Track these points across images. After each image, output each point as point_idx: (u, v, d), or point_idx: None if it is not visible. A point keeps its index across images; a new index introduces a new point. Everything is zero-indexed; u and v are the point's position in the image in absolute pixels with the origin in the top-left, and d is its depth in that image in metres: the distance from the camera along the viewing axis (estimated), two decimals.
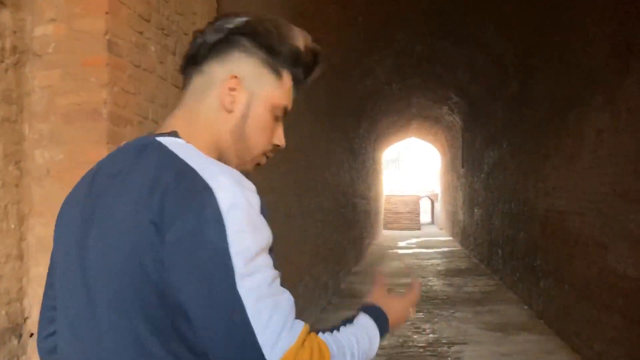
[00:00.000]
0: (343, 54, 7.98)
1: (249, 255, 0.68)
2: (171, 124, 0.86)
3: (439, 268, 10.55)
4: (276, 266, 0.73)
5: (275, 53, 0.86)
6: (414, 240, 17.04)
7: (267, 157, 0.92)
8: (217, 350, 0.68)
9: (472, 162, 12.19)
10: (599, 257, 4.24)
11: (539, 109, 6.12)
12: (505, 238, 8.09)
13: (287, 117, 0.93)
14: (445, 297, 7.56)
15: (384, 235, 19.07)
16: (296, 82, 0.91)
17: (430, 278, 9.24)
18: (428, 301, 7.29)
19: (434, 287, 8.34)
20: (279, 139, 0.92)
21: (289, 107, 0.91)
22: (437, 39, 9.02)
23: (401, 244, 15.99)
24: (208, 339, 0.68)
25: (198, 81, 0.87)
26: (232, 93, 0.85)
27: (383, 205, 21.14)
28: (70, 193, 0.88)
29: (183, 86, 0.90)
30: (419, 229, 22.50)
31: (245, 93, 0.86)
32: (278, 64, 0.87)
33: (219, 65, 0.86)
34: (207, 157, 0.77)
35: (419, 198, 24.08)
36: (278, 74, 0.88)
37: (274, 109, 0.88)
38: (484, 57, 8.40)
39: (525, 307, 6.73)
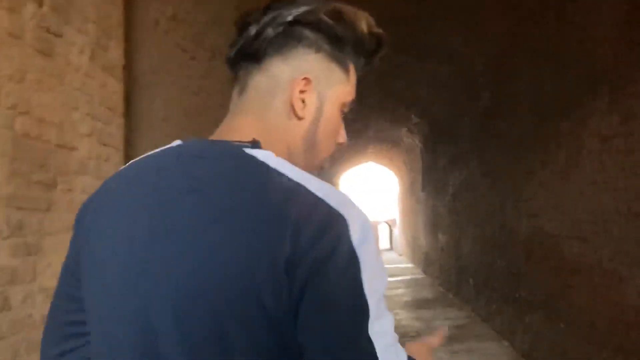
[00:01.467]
0: None
1: (380, 297, 0.62)
2: (240, 130, 0.74)
3: (405, 299, 9.76)
4: None
5: (341, 44, 0.77)
6: None
7: (330, 157, 0.83)
8: None
9: (434, 185, 11.59)
10: (611, 289, 3.53)
11: (518, 121, 5.48)
12: (478, 265, 7.38)
13: None
14: (415, 334, 6.73)
15: None
16: (359, 70, 0.83)
17: (398, 310, 8.42)
18: None
19: (402, 322, 7.51)
20: (343, 136, 0.84)
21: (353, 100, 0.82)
22: (398, 51, 8.42)
23: None
24: None
25: (261, 82, 0.76)
26: (303, 96, 0.75)
27: None
28: (105, 196, 0.74)
29: (238, 84, 0.78)
30: None
31: (315, 95, 0.76)
32: (344, 55, 0.78)
33: (284, 64, 0.75)
34: (316, 177, 0.68)
35: (377, 224, 23.43)
36: (345, 68, 0.79)
37: (343, 107, 0.80)
38: (449, 70, 7.81)
39: (506, 343, 5.98)
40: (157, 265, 0.65)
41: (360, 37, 0.78)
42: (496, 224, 6.32)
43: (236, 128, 0.75)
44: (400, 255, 21.22)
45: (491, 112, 6.56)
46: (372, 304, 0.60)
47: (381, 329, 0.61)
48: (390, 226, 27.48)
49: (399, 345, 0.65)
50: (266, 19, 0.75)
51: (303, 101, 0.76)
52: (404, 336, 6.57)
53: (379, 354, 0.60)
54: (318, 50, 0.76)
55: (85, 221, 0.74)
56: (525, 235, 5.29)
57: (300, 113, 0.76)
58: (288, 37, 0.75)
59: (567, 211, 4.24)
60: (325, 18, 0.75)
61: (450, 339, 6.35)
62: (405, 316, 7.96)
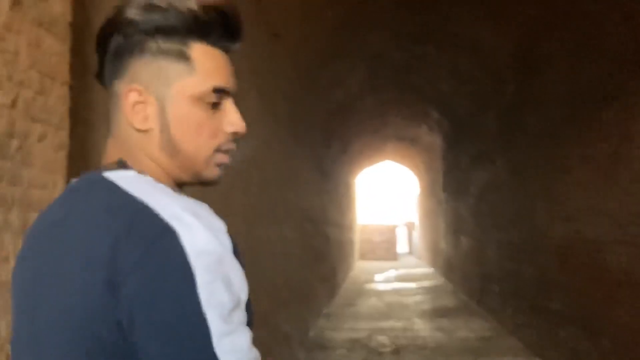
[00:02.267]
0: (308, 55, 6.73)
1: (225, 312, 0.57)
2: (108, 152, 0.74)
3: (424, 307, 9.19)
4: (251, 324, 0.64)
5: (165, 33, 0.70)
6: (392, 273, 15.69)
7: (228, 150, 0.75)
8: None
9: (455, 186, 10.99)
10: None
11: (550, 113, 4.91)
12: (504, 272, 6.79)
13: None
14: (435, 346, 6.18)
15: (359, 267, 17.69)
16: (223, 48, 0.74)
17: (416, 320, 7.86)
18: (416, 351, 5.91)
19: (421, 333, 6.95)
20: (233, 124, 0.74)
21: (222, 84, 0.73)
22: (416, 42, 7.88)
23: (378, 277, 14.61)
24: None
25: (110, 104, 0.75)
26: (140, 108, 0.71)
27: (358, 235, 19.81)
28: (23, 242, 0.74)
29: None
30: (396, 260, 21.20)
31: (152, 102, 0.71)
32: (178, 44, 0.71)
33: (119, 79, 0.72)
34: (167, 188, 0.65)
35: (395, 227, 22.83)
36: (183, 58, 0.71)
37: (199, 100, 0.71)
38: (472, 62, 7.24)
39: (537, 359, 5.40)
40: (19, 303, 0.67)
41: (189, 14, 0.70)
42: (525, 227, 5.73)
43: (107, 153, 0.75)
44: (420, 259, 20.59)
45: (519, 105, 5.98)
46: (213, 320, 0.56)
47: (231, 347, 0.57)
48: (409, 229, 26.84)
49: (256, 356, 0.60)
50: (98, 42, 0.74)
51: (143, 112, 0.71)
52: (423, 348, 6.02)
53: None
54: (142, 52, 0.71)
55: (14, 268, 0.75)
56: (558, 240, 4.71)
57: (140, 126, 0.71)
58: (116, 51, 0.72)
59: (611, 213, 3.67)
60: (138, 15, 0.69)
61: (474, 352, 5.80)
62: (423, 326, 7.40)
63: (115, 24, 0.70)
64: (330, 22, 6.58)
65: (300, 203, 7.03)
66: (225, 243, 0.61)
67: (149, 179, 0.67)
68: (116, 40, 0.71)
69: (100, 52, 0.74)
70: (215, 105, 0.73)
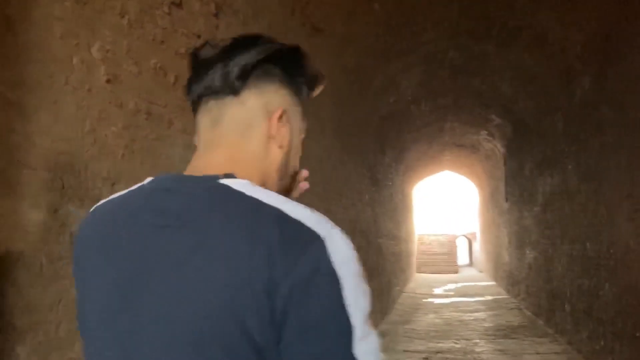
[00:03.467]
0: (355, 54, 6.32)
1: (364, 316, 0.61)
2: (215, 163, 0.75)
3: (486, 324, 8.50)
4: None
5: (299, 82, 0.82)
6: (452, 286, 14.92)
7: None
8: None
9: (519, 195, 10.24)
10: None
11: (635, 107, 4.27)
12: (576, 289, 6.08)
13: None
14: None
15: (417, 279, 16.99)
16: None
17: (476, 340, 7.22)
18: None
19: (484, 356, 6.33)
20: (297, 167, 0.87)
21: None
22: (476, 40, 7.32)
23: (437, 290, 13.91)
24: None
25: (238, 114, 0.77)
26: (280, 127, 0.78)
27: (415, 246, 19.12)
28: (87, 232, 0.75)
29: (207, 116, 0.78)
30: (457, 272, 20.30)
31: (288, 127, 0.80)
32: (301, 93, 0.83)
33: (260, 97, 0.77)
34: (291, 200, 0.68)
35: (455, 237, 21.94)
36: (301, 105, 0.84)
37: (302, 140, 0.86)
38: (537, 57, 6.61)
39: None
40: (138, 303, 0.66)
41: (311, 78, 0.83)
42: (603, 240, 5.06)
43: (210, 161, 0.75)
44: (481, 272, 19.63)
45: (593, 102, 5.32)
46: (356, 324, 0.60)
47: (368, 349, 0.61)
48: (469, 240, 25.79)
49: None
50: (235, 54, 0.76)
51: (282, 132, 0.78)
52: None
53: None
54: (286, 86, 0.80)
55: (79, 255, 0.76)
56: None
57: (280, 142, 0.78)
58: (262, 73, 0.77)
59: None
60: (291, 59, 0.79)
61: None
62: (486, 347, 6.76)
63: (271, 51, 0.76)
64: (378, 17, 6.15)
65: (349, 214, 6.60)
66: (355, 253, 0.64)
67: (265, 189, 0.70)
68: (271, 67, 0.78)
69: (242, 61, 0.75)
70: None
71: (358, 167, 7.49)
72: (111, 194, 0.76)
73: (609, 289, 4.92)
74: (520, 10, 6.03)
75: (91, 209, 0.77)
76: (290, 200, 0.68)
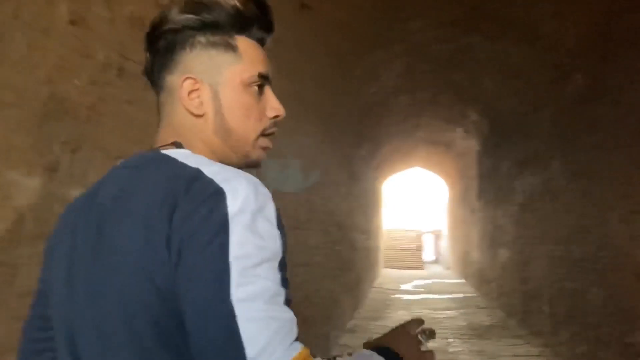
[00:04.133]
0: (342, 39, 6.00)
1: (248, 264, 0.63)
2: (163, 140, 0.81)
3: (459, 323, 8.35)
4: (286, 285, 0.67)
5: (212, 28, 0.80)
6: (420, 282, 14.81)
7: (271, 134, 0.85)
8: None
9: (493, 193, 10.13)
10: None
11: (634, 103, 4.08)
12: (558, 292, 5.93)
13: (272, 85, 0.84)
14: None
15: (384, 275, 16.85)
16: (259, 40, 0.84)
17: (451, 340, 7.03)
18: None
19: (460, 356, 6.13)
20: (274, 109, 0.84)
21: (265, 71, 0.83)
22: (462, 31, 7.09)
23: (404, 286, 13.76)
24: (198, 349, 0.63)
25: (163, 98, 0.83)
26: (195, 95, 0.80)
27: (383, 241, 18.98)
28: (62, 219, 0.83)
29: (157, 106, 0.85)
30: (423, 269, 20.27)
31: (207, 88, 0.80)
32: (225, 36, 0.81)
33: (170, 74, 0.81)
34: (219, 163, 0.74)
35: (422, 234, 21.92)
36: (230, 47, 0.81)
37: (247, 85, 0.81)
38: (527, 52, 6.42)
39: None
40: (75, 282, 0.74)
41: (234, 13, 0.79)
42: (591, 242, 4.89)
43: (160, 139, 0.82)
44: (448, 269, 19.64)
45: (586, 98, 5.14)
46: (235, 270, 0.62)
47: (246, 295, 0.61)
48: (436, 237, 25.87)
49: (280, 313, 0.64)
50: (146, 45, 0.82)
51: (199, 99, 0.80)
52: None
53: (239, 322, 0.61)
54: (192, 47, 0.80)
55: (50, 245, 0.83)
56: None
57: (197, 111, 0.80)
58: (165, 50, 0.80)
59: None
60: (180, 16, 0.78)
61: None
62: (462, 347, 6.57)
63: (165, 23, 0.79)
64: (367, 1, 5.84)
65: (327, 206, 6.29)
66: (265, 208, 0.67)
67: (201, 155, 0.76)
68: (166, 38, 0.80)
69: (151, 50, 0.82)
70: (259, 91, 0.82)
71: (337, 158, 7.19)
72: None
73: (596, 293, 4.75)
74: (514, 2, 5.82)
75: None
76: (216, 163, 0.72)
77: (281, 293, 0.65)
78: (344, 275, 7.70)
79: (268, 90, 0.84)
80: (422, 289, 13.25)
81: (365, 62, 7.44)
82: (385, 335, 0.87)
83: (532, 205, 7.15)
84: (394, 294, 12.08)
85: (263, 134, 0.83)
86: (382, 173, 15.49)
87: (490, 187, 10.54)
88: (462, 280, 14.82)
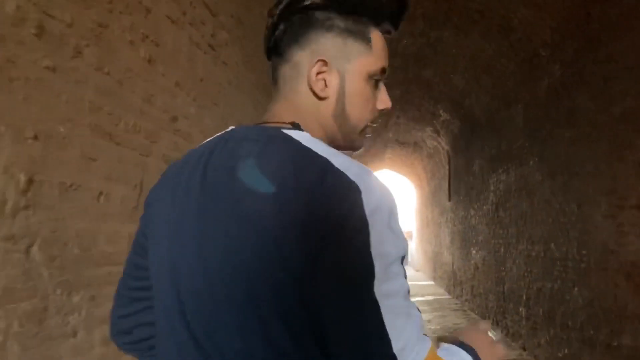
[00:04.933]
0: None
1: (388, 261, 0.65)
2: (279, 115, 0.81)
3: (432, 327, 8.11)
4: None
5: (356, 15, 0.80)
6: None
7: (375, 124, 0.88)
8: (346, 353, 0.64)
9: (465, 193, 9.97)
10: None
11: (617, 94, 3.88)
12: (536, 292, 5.74)
13: None
14: None
15: None
16: (385, 32, 0.86)
17: None
18: None
19: None
20: (384, 102, 0.86)
21: (386, 66, 0.84)
22: (433, 25, 6.88)
23: None
24: (338, 340, 0.64)
25: (286, 71, 0.82)
26: (321, 77, 0.80)
27: None
28: (166, 178, 0.84)
29: (272, 76, 0.85)
30: None
31: (335, 73, 0.80)
32: (362, 26, 0.81)
33: (301, 50, 0.81)
34: (341, 153, 0.73)
35: None
36: (365, 39, 0.81)
37: (370, 78, 0.82)
38: (498, 45, 6.24)
39: None
40: (202, 236, 0.72)
41: (376, 3, 0.81)
42: (572, 240, 4.69)
43: (276, 114, 0.82)
44: (418, 271, 19.54)
45: (563, 91, 4.95)
46: (378, 267, 0.63)
47: (389, 291, 0.64)
48: None
49: (414, 310, 0.67)
50: (278, 13, 0.80)
51: (324, 82, 0.80)
52: None
53: (384, 314, 0.63)
54: (329, 29, 0.80)
55: (150, 200, 0.85)
56: (633, 256, 3.67)
57: (321, 94, 0.80)
58: (300, 24, 0.80)
59: None
60: None
61: None
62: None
63: (314, 0, 0.79)
64: None
65: None
66: (392, 206, 0.68)
67: (321, 141, 0.74)
68: (307, 13, 0.79)
69: (286, 19, 0.80)
70: (376, 84, 0.83)
71: None
72: None
73: (578, 293, 4.55)
74: None
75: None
76: (342, 154, 0.72)
77: (409, 288, 0.68)
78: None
79: (382, 85, 0.85)
80: None
81: None
82: (460, 333, 0.86)
83: (507, 204, 6.96)
84: None
85: (370, 124, 0.85)
86: None
87: (461, 186, 10.39)
88: (432, 282, 14.67)
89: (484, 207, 8.30)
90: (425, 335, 0.67)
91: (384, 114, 0.87)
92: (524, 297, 6.16)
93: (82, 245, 1.57)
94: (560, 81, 5.02)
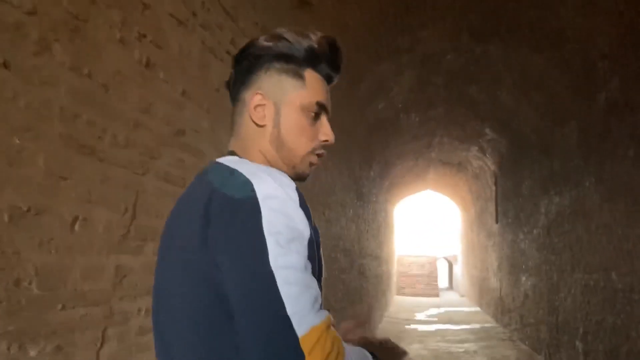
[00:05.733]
0: (346, 45, 5.46)
1: (282, 239, 0.74)
2: (229, 148, 0.97)
3: (479, 358, 7.60)
4: (312, 261, 0.79)
5: (287, 58, 0.93)
6: (434, 311, 14.02)
7: (319, 155, 0.97)
8: (247, 323, 0.72)
9: (513, 216, 9.45)
10: None
11: None
12: (594, 326, 5.23)
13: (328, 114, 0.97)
14: None
15: (397, 302, 16.07)
16: (326, 77, 0.98)
17: None
18: None
19: None
20: (325, 133, 0.96)
21: (324, 101, 0.96)
22: (479, 39, 6.54)
23: (419, 316, 12.99)
24: (241, 314, 0.73)
25: (236, 109, 0.98)
26: (260, 108, 0.93)
27: (395, 267, 18.22)
28: (178, 201, 0.98)
29: (232, 114, 0.99)
30: (437, 296, 19.42)
31: (271, 104, 0.93)
32: (296, 67, 0.94)
33: (246, 90, 0.96)
34: (258, 164, 0.87)
35: (435, 259, 21.11)
36: (298, 76, 0.94)
37: (305, 110, 0.94)
38: (549, 59, 5.84)
39: None
40: (160, 257, 0.92)
41: (306, 48, 0.93)
42: (638, 269, 4.22)
43: (228, 147, 0.98)
44: (462, 296, 18.81)
45: (624, 105, 4.53)
46: (270, 243, 0.73)
47: (285, 264, 0.73)
48: (450, 263, 25.01)
49: (311, 282, 0.76)
50: (233, 63, 0.98)
51: (262, 113, 0.94)
52: None
53: (279, 283, 0.72)
54: (267, 69, 0.94)
55: (166, 222, 0.97)
56: None
57: (259, 122, 0.94)
58: (245, 70, 0.95)
59: None
60: (269, 44, 0.93)
61: None
62: None
63: (252, 48, 0.95)
64: (374, 3, 5.32)
65: (332, 230, 5.67)
66: (290, 194, 0.79)
67: (246, 160, 0.91)
68: (249, 60, 0.95)
69: (236, 68, 0.97)
70: (315, 117, 0.96)
71: (343, 177, 6.59)
72: None
73: None
74: (535, 3, 5.27)
75: None
76: (256, 165, 0.86)
77: (309, 266, 0.77)
78: (352, 307, 7.02)
79: (324, 118, 0.97)
80: (436, 319, 12.46)
81: (373, 75, 6.90)
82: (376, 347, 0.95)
83: (560, 228, 6.47)
84: (408, 324, 11.32)
85: (313, 152, 0.95)
86: (393, 196, 14.86)
87: (509, 208, 9.87)
88: (478, 309, 14.01)
89: (534, 231, 7.80)
90: (323, 310, 0.75)
91: (327, 145, 0.96)
92: (581, 330, 5.64)
93: (45, 284, 1.30)
94: (621, 95, 4.59)
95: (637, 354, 4.22)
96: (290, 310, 0.70)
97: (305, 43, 0.92)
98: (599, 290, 5.08)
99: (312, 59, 0.93)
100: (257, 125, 0.92)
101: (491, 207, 11.83)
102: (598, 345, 5.12)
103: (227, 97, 0.99)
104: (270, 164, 0.92)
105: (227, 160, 0.88)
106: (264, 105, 0.92)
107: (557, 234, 6.58)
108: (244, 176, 0.79)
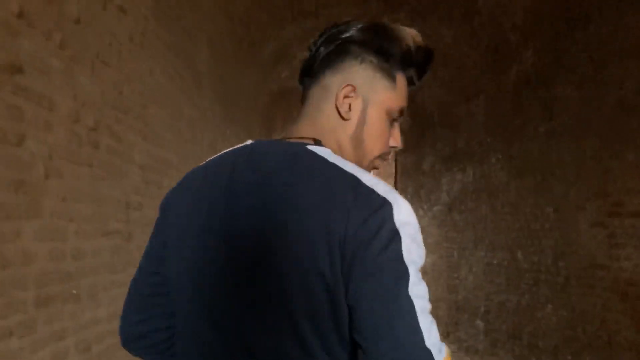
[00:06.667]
0: (247, 5, 4.85)
1: (417, 267, 0.72)
2: (301, 132, 0.88)
3: None
4: None
5: (387, 56, 0.88)
6: None
7: (384, 159, 0.95)
8: (387, 349, 0.69)
9: (414, 193, 9.41)
10: None
11: (618, 77, 3.30)
12: (498, 305, 5.17)
13: None
14: None
15: None
16: (409, 82, 0.93)
17: None
18: None
19: None
20: (396, 140, 0.94)
21: (405, 108, 0.93)
22: (387, 7, 6.18)
23: None
24: (374, 337, 0.70)
25: (316, 92, 0.89)
26: (348, 101, 0.87)
27: None
28: (186, 184, 0.88)
29: (302, 97, 0.92)
30: None
31: (360, 100, 0.88)
32: (391, 67, 0.88)
33: (333, 75, 0.88)
34: (366, 171, 0.79)
35: None
36: (391, 78, 0.89)
37: (389, 113, 0.90)
38: (458, 33, 5.63)
39: None
40: (231, 241, 0.78)
41: (407, 50, 0.87)
42: (546, 249, 4.11)
43: (297, 131, 0.88)
44: None
45: (537, 80, 4.37)
46: (411, 271, 0.70)
47: (419, 293, 0.70)
48: None
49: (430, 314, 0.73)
50: (320, 40, 0.89)
51: (349, 105, 0.87)
52: None
53: (418, 314, 0.69)
54: (363, 61, 0.87)
55: (167, 205, 0.90)
56: (630, 275, 3.09)
57: (345, 115, 0.87)
58: (337, 53, 0.87)
59: None
60: (370, 34, 0.86)
61: None
62: None
63: (349, 32, 0.86)
64: None
65: None
66: (416, 219, 0.75)
67: (342, 158, 0.80)
68: (344, 44, 0.86)
69: (325, 47, 0.87)
70: (392, 122, 0.91)
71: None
72: None
73: (553, 312, 3.97)
74: None
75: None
76: (364, 171, 0.78)
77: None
78: None
79: (396, 124, 0.92)
80: None
81: (277, 39, 6.35)
82: None
83: (462, 206, 6.39)
84: None
85: (380, 156, 0.91)
86: None
87: (410, 185, 9.83)
88: None
89: (434, 208, 7.74)
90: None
91: (395, 150, 0.93)
92: (482, 309, 5.59)
93: None
94: (534, 70, 4.43)
95: (542, 334, 4.14)
96: (427, 342, 0.68)
97: (404, 44, 0.86)
98: (503, 269, 5.00)
99: (405, 62, 0.88)
100: (341, 117, 0.86)
101: (391, 184, 11.81)
102: (501, 325, 5.06)
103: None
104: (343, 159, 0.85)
105: (325, 153, 0.80)
106: (352, 98, 0.86)
107: (459, 212, 6.51)
108: (379, 194, 0.73)
